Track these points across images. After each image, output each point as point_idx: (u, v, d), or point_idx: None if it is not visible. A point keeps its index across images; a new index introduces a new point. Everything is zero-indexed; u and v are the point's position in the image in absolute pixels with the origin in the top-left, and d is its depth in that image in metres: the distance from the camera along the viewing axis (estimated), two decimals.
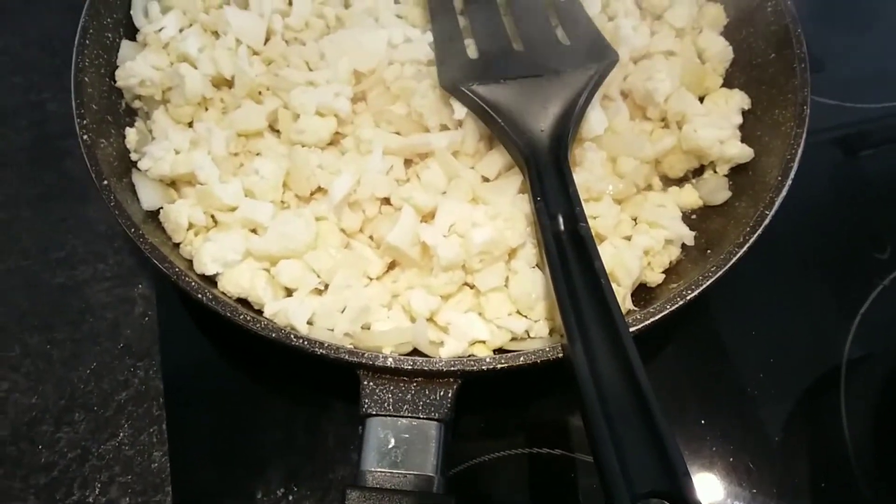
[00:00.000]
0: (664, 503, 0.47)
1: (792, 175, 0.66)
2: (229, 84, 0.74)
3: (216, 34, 0.77)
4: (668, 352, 0.75)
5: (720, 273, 0.61)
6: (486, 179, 0.71)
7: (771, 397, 0.72)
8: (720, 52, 0.79)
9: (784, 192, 0.65)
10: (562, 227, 0.61)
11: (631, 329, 0.58)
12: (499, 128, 0.68)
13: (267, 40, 0.77)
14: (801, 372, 0.74)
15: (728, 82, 0.79)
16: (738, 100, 0.76)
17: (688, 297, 0.60)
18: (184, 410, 0.72)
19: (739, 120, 0.76)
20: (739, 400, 0.72)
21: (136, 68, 0.73)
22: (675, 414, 0.71)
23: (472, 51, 0.73)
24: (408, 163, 0.72)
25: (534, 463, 0.68)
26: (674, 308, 0.60)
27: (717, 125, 0.74)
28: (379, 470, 0.55)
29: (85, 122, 0.68)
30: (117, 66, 0.74)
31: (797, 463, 0.69)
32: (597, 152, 0.72)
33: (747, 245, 0.63)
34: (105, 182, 0.65)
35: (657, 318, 0.59)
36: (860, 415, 0.71)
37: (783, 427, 0.71)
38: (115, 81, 0.74)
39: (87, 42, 0.72)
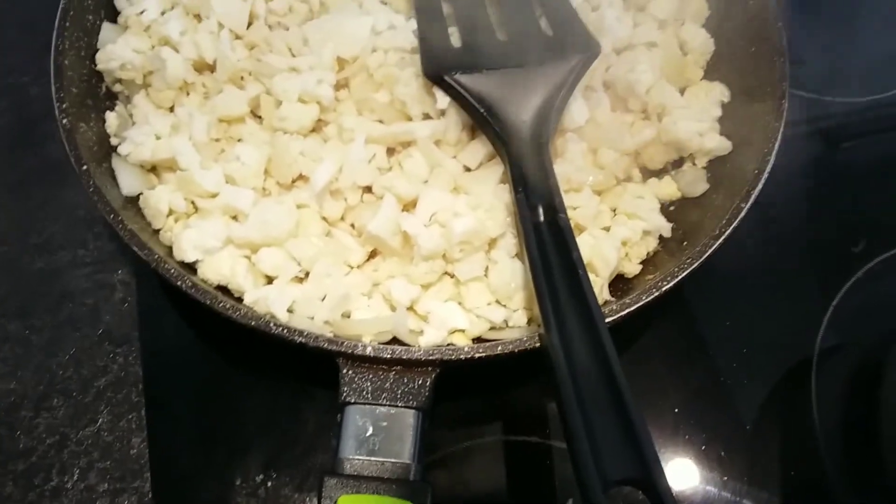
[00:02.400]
0: (635, 490, 0.49)
1: (769, 168, 0.67)
2: (211, 68, 0.74)
3: (198, 17, 0.76)
4: (643, 341, 0.76)
5: (695, 265, 0.62)
6: (467, 169, 0.71)
7: (744, 386, 0.73)
8: (702, 44, 0.80)
9: (760, 185, 0.66)
10: (541, 218, 0.61)
11: (607, 319, 0.59)
12: (481, 118, 0.68)
13: (250, 24, 0.76)
14: (773, 362, 0.75)
15: (708, 74, 0.80)
16: (718, 92, 0.77)
17: (663, 289, 0.61)
18: (163, 397, 0.72)
19: (719, 112, 0.76)
20: (713, 389, 0.73)
21: (116, 51, 0.72)
22: (649, 402, 0.72)
23: (455, 39, 0.73)
24: (390, 151, 0.72)
25: (510, 450, 0.69)
26: (649, 299, 0.60)
27: (697, 117, 0.74)
28: (356, 457, 0.56)
29: (65, 105, 0.67)
30: (98, 49, 0.73)
31: (768, 451, 0.71)
32: (578, 143, 0.73)
33: (723, 237, 0.63)
34: (84, 167, 0.64)
35: (633, 308, 0.60)
36: (830, 405, 0.72)
37: (755, 416, 0.72)
38: (95, 65, 0.73)
39: (68, 24, 0.71)
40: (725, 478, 0.69)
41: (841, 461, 0.70)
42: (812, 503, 0.70)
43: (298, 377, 0.73)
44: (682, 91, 0.78)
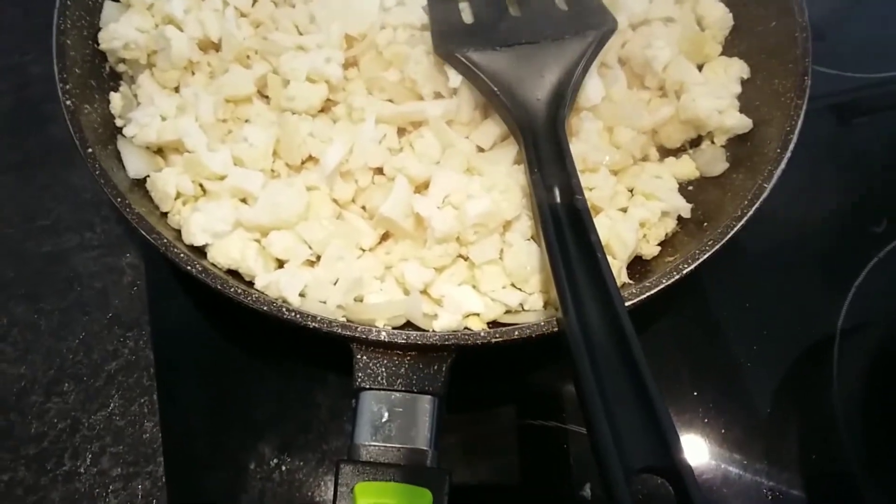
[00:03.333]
0: (658, 478, 0.48)
1: (791, 147, 0.65)
2: (216, 48, 0.72)
3: None
4: (661, 323, 0.75)
5: (717, 247, 0.61)
6: (480, 149, 0.69)
7: (763, 369, 0.72)
8: (720, 18, 0.77)
9: (783, 165, 0.65)
10: (558, 200, 0.60)
11: (626, 303, 0.57)
12: (494, 96, 0.66)
13: (255, 1, 0.74)
14: (793, 344, 0.74)
15: (727, 50, 0.78)
16: (738, 69, 0.75)
17: (684, 272, 0.60)
18: (175, 380, 0.71)
19: (738, 89, 0.74)
20: (732, 372, 0.72)
21: (119, 30, 0.70)
22: (667, 385, 0.71)
23: (467, 15, 0.71)
24: (401, 131, 0.70)
25: (527, 435, 0.69)
26: (669, 282, 0.59)
27: (716, 94, 0.72)
28: (372, 444, 0.55)
29: (68, 86, 0.65)
30: (100, 29, 0.72)
31: (788, 433, 0.70)
32: (593, 122, 0.71)
33: (745, 219, 0.62)
34: (90, 150, 0.63)
35: (652, 292, 0.59)
36: (850, 388, 0.71)
37: (775, 399, 0.71)
38: (98, 44, 0.71)
39: (69, 3, 0.69)
40: (745, 461, 0.69)
41: (861, 443, 0.70)
42: (833, 485, 0.69)
43: (310, 361, 0.72)
44: (700, 67, 0.76)
